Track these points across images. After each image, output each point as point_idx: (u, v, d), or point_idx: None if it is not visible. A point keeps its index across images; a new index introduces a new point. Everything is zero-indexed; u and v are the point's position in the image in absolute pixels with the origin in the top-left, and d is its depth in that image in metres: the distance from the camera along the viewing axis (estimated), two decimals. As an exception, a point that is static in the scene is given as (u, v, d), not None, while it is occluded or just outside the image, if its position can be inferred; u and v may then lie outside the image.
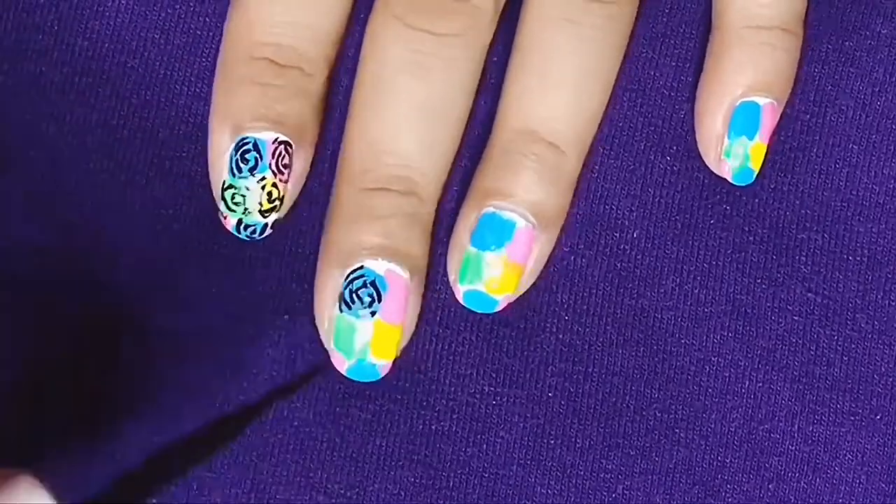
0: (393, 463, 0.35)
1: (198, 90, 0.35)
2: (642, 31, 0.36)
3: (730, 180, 0.36)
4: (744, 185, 0.36)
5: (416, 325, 0.35)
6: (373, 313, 0.34)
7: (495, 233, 0.34)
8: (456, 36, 0.34)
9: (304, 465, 0.35)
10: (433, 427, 0.35)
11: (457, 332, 0.36)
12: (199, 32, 0.35)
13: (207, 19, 0.36)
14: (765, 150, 0.36)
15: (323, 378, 0.35)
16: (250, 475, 0.34)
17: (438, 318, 0.36)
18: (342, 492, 0.35)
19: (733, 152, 0.35)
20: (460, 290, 0.35)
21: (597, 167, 0.36)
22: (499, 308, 0.35)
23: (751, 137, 0.35)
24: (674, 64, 0.36)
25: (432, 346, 0.35)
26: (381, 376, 0.34)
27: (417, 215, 0.34)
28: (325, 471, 0.35)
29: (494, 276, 0.34)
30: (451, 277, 0.35)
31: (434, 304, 0.35)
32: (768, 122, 0.35)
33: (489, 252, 0.34)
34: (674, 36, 0.36)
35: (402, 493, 0.35)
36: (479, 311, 0.35)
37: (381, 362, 0.34)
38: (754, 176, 0.36)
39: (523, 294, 0.35)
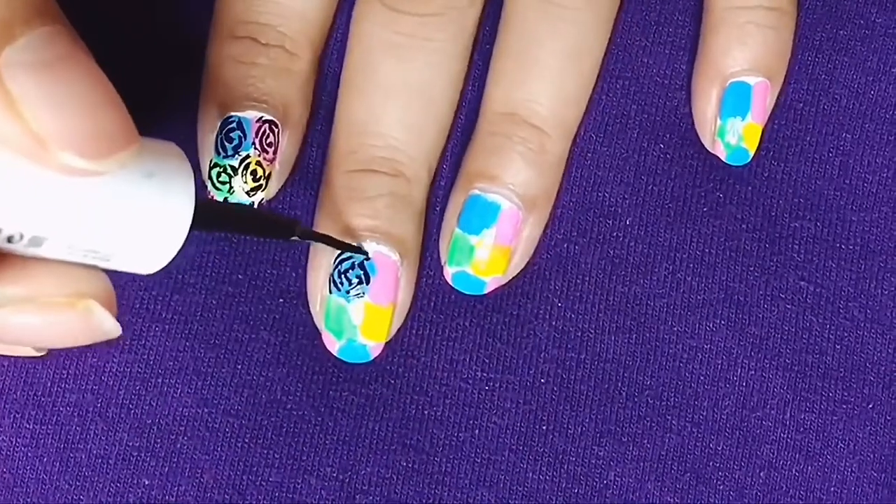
0: (385, 447, 0.35)
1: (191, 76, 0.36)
2: (636, 18, 0.36)
3: (725, 161, 0.36)
4: (740, 165, 0.36)
5: (410, 307, 0.35)
6: (361, 294, 0.34)
7: (481, 215, 0.34)
8: (435, 16, 0.34)
9: (296, 447, 0.35)
10: (426, 412, 0.35)
11: (450, 317, 0.36)
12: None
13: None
14: (760, 131, 0.36)
15: (317, 362, 0.35)
16: (243, 457, 0.35)
17: (432, 304, 0.36)
18: (334, 475, 0.35)
19: (726, 133, 0.36)
20: (449, 273, 0.35)
21: (590, 154, 0.36)
22: (487, 290, 0.35)
23: (743, 117, 0.35)
24: (667, 52, 0.36)
25: (426, 331, 0.36)
26: (371, 358, 0.35)
27: (405, 197, 0.34)
28: (318, 454, 0.35)
29: (481, 258, 0.35)
30: (442, 259, 0.35)
31: (428, 290, 0.36)
32: (760, 101, 0.35)
33: (475, 234, 0.34)
34: (667, 24, 0.37)
35: (395, 477, 0.35)
36: (467, 293, 0.35)
37: (372, 343, 0.34)
38: (750, 156, 0.36)
39: (516, 280, 0.36)
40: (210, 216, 0.28)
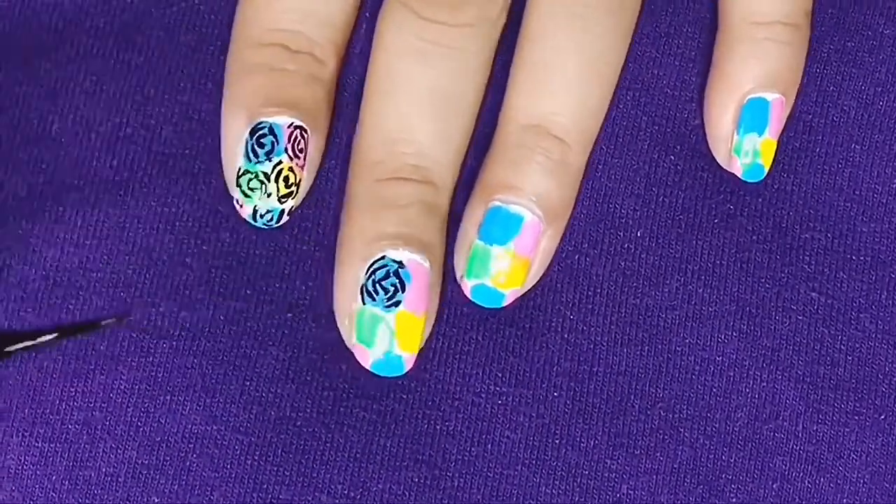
0: (397, 463, 0.35)
1: (201, 87, 0.36)
2: (646, 30, 0.36)
3: (740, 177, 0.36)
4: (754, 181, 0.36)
5: (436, 318, 0.35)
6: (397, 303, 0.33)
7: (503, 226, 0.34)
8: (468, 26, 0.34)
9: (307, 464, 0.35)
10: (438, 427, 0.35)
11: (463, 331, 0.35)
12: (203, 30, 0.36)
13: (213, 16, 0.36)
14: (775, 147, 0.36)
15: (326, 377, 0.35)
16: (253, 474, 0.34)
17: (444, 317, 0.35)
18: (345, 492, 0.35)
19: (743, 149, 0.36)
20: (468, 285, 0.35)
21: (601, 166, 0.36)
22: (506, 303, 0.35)
23: (760, 133, 0.35)
24: (677, 63, 0.37)
25: (438, 344, 0.35)
26: (405, 370, 0.34)
27: (435, 205, 0.34)
28: (329, 471, 0.35)
29: (502, 269, 0.34)
30: (458, 273, 0.35)
31: (440, 303, 0.35)
32: (777, 117, 0.36)
33: (497, 246, 0.34)
34: (677, 35, 0.37)
35: (407, 494, 0.35)
36: (486, 307, 0.35)
37: (407, 354, 0.34)
38: (765, 172, 0.36)
39: (528, 293, 0.36)
40: None
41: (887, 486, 0.36)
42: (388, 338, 0.34)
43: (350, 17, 0.35)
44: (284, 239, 0.35)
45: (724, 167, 0.36)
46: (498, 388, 0.35)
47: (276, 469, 0.34)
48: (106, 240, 0.35)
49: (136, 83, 0.36)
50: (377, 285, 0.33)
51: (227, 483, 0.34)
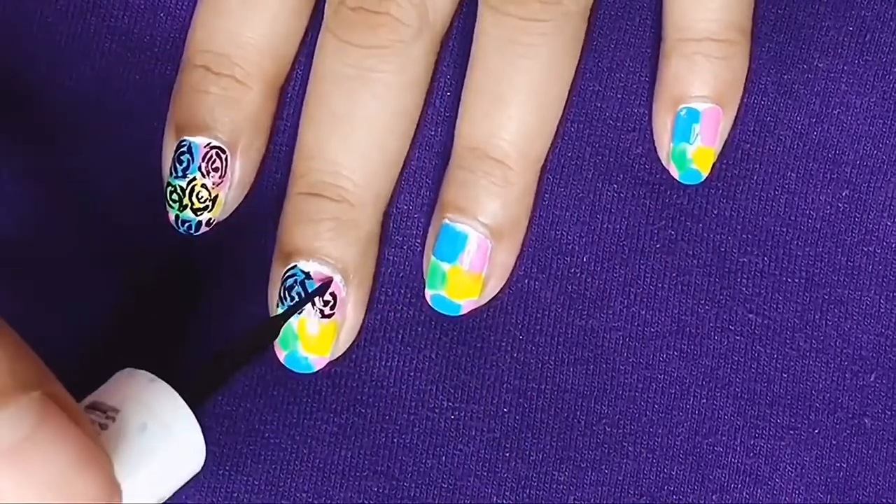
0: (357, 474, 0.37)
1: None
2: (589, 65, 0.38)
3: (678, 180, 0.38)
4: (693, 185, 0.38)
5: (362, 326, 0.37)
6: (299, 311, 0.36)
7: (451, 244, 0.37)
8: (380, 48, 0.36)
9: (274, 474, 0.37)
10: (395, 440, 0.37)
11: (418, 349, 0.38)
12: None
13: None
14: (712, 154, 0.37)
15: (292, 393, 0.37)
16: (224, 484, 0.37)
17: (401, 337, 0.38)
18: (309, 500, 0.37)
19: (678, 155, 0.37)
20: (428, 295, 0.37)
21: (548, 195, 0.38)
22: (463, 311, 0.37)
23: (690, 142, 0.37)
24: (619, 97, 0.38)
25: (395, 362, 0.38)
26: (315, 369, 0.37)
27: (349, 221, 0.36)
28: (294, 480, 0.37)
29: (454, 283, 0.37)
30: (426, 283, 0.37)
31: (396, 323, 0.38)
32: (711, 126, 0.37)
33: (446, 262, 0.37)
34: (619, 70, 0.38)
35: (366, 503, 0.37)
36: (445, 314, 0.37)
37: (314, 357, 0.36)
38: (702, 177, 0.38)
39: (479, 314, 0.38)
40: (203, 393, 0.31)
41: (821, 496, 0.38)
42: (293, 340, 0.36)
43: (284, 41, 0.37)
44: (247, 265, 0.38)
45: (666, 168, 0.38)
46: (451, 404, 0.37)
47: (245, 479, 0.37)
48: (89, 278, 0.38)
49: (116, 130, 0.38)
50: (286, 292, 0.36)
51: (200, 492, 0.37)
